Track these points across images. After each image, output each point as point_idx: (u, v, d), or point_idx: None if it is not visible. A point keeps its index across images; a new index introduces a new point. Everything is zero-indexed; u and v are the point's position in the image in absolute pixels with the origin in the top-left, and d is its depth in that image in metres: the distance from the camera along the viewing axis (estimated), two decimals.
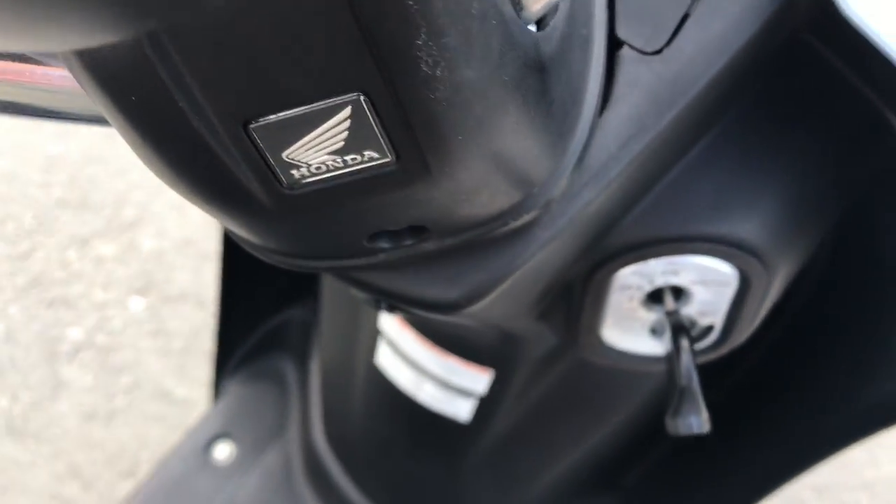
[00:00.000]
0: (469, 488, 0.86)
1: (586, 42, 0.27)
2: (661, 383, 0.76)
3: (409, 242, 0.29)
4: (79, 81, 0.21)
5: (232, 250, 1.00)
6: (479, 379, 0.68)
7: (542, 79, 0.24)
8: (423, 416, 0.76)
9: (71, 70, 0.21)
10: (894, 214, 0.45)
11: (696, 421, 0.39)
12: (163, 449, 1.36)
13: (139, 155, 0.24)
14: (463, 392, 0.71)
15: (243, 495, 0.99)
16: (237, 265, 1.02)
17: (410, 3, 0.18)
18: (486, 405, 0.71)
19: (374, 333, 0.74)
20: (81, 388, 1.43)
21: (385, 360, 0.75)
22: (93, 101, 0.22)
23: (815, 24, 0.34)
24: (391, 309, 0.44)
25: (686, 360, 0.39)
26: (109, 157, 1.67)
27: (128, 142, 0.23)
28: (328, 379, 0.95)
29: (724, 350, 0.45)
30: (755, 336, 0.74)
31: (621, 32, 0.31)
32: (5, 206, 1.61)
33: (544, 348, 0.62)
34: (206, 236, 1.58)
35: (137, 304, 1.51)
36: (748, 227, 0.38)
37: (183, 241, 1.58)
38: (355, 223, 0.27)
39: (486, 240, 0.30)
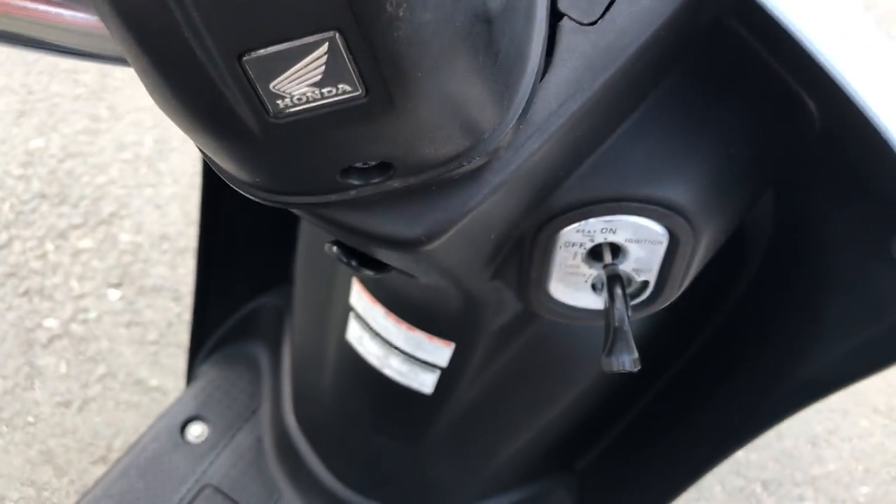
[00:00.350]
0: (431, 463, 0.90)
1: (530, 8, 0.33)
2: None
3: (377, 180, 0.34)
4: (101, 14, 0.26)
5: (209, 239, 1.04)
6: (441, 352, 0.73)
7: (488, 30, 0.29)
8: (389, 391, 0.80)
9: (95, 4, 0.26)
10: (813, 187, 0.51)
11: (628, 359, 0.43)
12: (136, 436, 1.39)
13: (149, 84, 0.28)
14: (427, 365, 0.75)
15: (215, 473, 1.03)
16: (213, 253, 1.06)
17: None
18: (448, 378, 0.75)
19: (346, 310, 0.79)
20: (56, 377, 1.45)
21: (354, 335, 0.80)
22: (111, 31, 0.27)
23: (736, 8, 0.40)
24: (359, 262, 0.49)
25: (619, 305, 0.44)
26: (89, 152, 1.71)
27: (139, 71, 0.28)
28: (299, 359, 0.99)
29: (659, 306, 0.50)
30: (700, 321, 0.80)
31: (562, 6, 0.37)
32: None
33: (501, 322, 0.67)
34: (182, 232, 1.62)
35: (113, 296, 1.54)
36: (676, 191, 0.44)
37: (160, 236, 1.61)
38: (330, 156, 0.31)
39: (444, 181, 0.35)
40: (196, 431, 1.08)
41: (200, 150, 0.35)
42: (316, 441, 1.00)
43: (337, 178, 0.33)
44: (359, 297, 0.75)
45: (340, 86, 0.27)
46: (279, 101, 0.28)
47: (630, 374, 0.84)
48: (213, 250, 1.05)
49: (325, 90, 0.27)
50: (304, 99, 0.28)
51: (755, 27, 0.40)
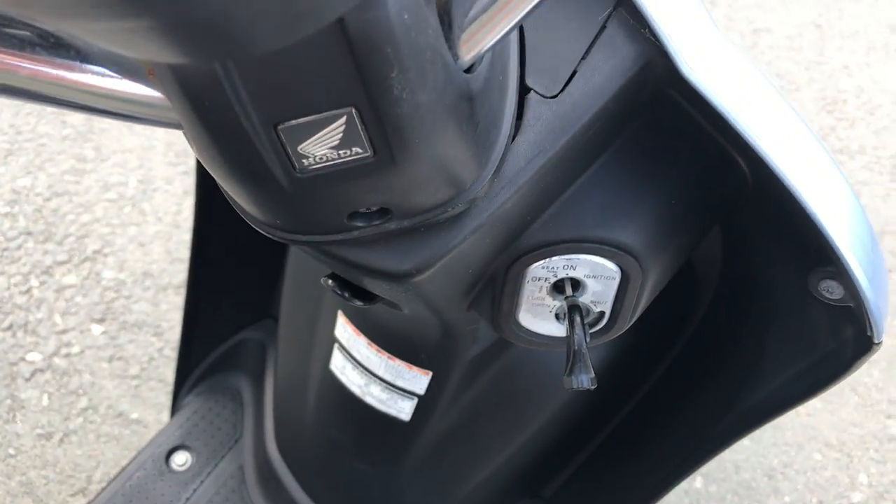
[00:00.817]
0: (406, 488, 0.96)
1: (503, 85, 0.40)
2: (576, 394, 0.89)
3: (377, 222, 0.41)
4: (167, 90, 0.33)
5: (197, 277, 1.10)
6: (420, 380, 0.79)
7: (470, 106, 0.36)
8: (369, 418, 0.86)
9: (163, 81, 0.33)
10: (751, 232, 0.59)
11: (586, 378, 0.50)
12: (116, 468, 1.42)
13: (200, 144, 0.35)
14: (405, 393, 0.81)
15: (199, 500, 1.07)
16: (201, 290, 1.12)
17: (389, 52, 0.30)
18: (425, 405, 0.82)
19: (330, 342, 0.85)
20: (38, 409, 1.49)
21: (337, 365, 0.86)
22: (174, 104, 0.33)
23: (674, 83, 0.48)
24: (352, 294, 0.55)
25: (579, 332, 0.52)
26: (75, 191, 1.76)
27: (193, 134, 0.35)
28: (283, 388, 1.05)
29: (614, 334, 0.57)
30: (658, 353, 0.87)
31: (529, 81, 0.44)
32: None
33: (475, 352, 0.74)
34: (164, 270, 1.67)
35: (96, 331, 1.58)
36: (627, 234, 0.51)
37: (142, 273, 1.66)
38: (341, 203, 0.38)
39: (431, 224, 0.42)
40: (180, 460, 1.13)
41: (229, 196, 0.41)
42: (296, 468, 1.05)
43: (344, 220, 0.40)
44: (343, 328, 0.82)
45: (354, 148, 0.34)
46: (304, 160, 0.35)
47: (594, 402, 0.91)
48: (200, 288, 1.11)
49: (341, 151, 0.35)
50: (324, 158, 0.35)
51: (691, 99, 0.48)
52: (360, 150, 0.35)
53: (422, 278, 0.45)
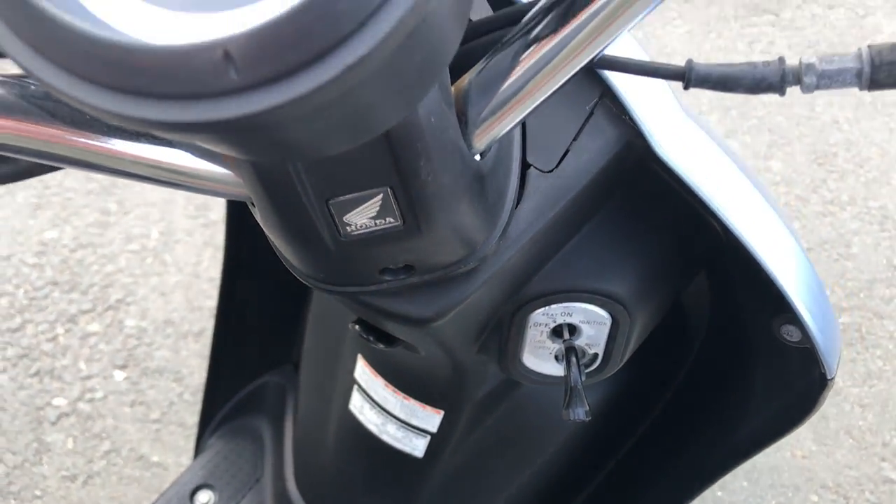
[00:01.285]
0: None
1: (507, 165, 0.49)
2: (578, 432, 0.96)
3: (403, 276, 0.49)
4: (242, 174, 0.41)
5: (222, 325, 1.19)
6: (432, 418, 0.86)
7: (481, 184, 0.44)
8: (385, 455, 0.93)
9: (240, 168, 0.41)
10: (732, 283, 0.67)
11: (581, 410, 0.58)
12: None
13: (264, 215, 0.43)
14: (419, 431, 0.88)
15: None
16: (226, 338, 1.20)
17: (419, 146, 0.39)
18: (437, 442, 0.89)
19: (350, 383, 0.92)
20: (63, 452, 1.55)
21: (356, 405, 0.93)
22: (247, 184, 0.42)
23: (651, 157, 0.56)
24: (376, 337, 0.63)
25: (575, 371, 0.59)
26: (99, 243, 1.85)
27: (261, 207, 0.43)
28: (304, 429, 1.12)
29: (607, 373, 0.65)
30: (656, 395, 0.94)
31: (530, 159, 0.53)
32: (0, 285, 1.77)
33: (483, 391, 0.81)
34: (184, 318, 1.75)
35: (119, 377, 1.66)
36: (616, 285, 0.59)
37: (163, 321, 1.74)
38: (374, 261, 0.47)
39: (448, 277, 0.50)
40: (204, 498, 1.19)
41: (281, 255, 0.50)
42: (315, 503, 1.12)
43: (376, 275, 0.48)
44: (363, 371, 0.89)
45: (387, 218, 0.43)
46: (348, 227, 0.43)
47: (596, 440, 0.97)
48: (226, 336, 1.20)
49: (377, 221, 0.43)
50: (364, 226, 0.43)
51: (667, 170, 0.56)
52: (392, 220, 0.43)
53: (439, 323, 0.53)
